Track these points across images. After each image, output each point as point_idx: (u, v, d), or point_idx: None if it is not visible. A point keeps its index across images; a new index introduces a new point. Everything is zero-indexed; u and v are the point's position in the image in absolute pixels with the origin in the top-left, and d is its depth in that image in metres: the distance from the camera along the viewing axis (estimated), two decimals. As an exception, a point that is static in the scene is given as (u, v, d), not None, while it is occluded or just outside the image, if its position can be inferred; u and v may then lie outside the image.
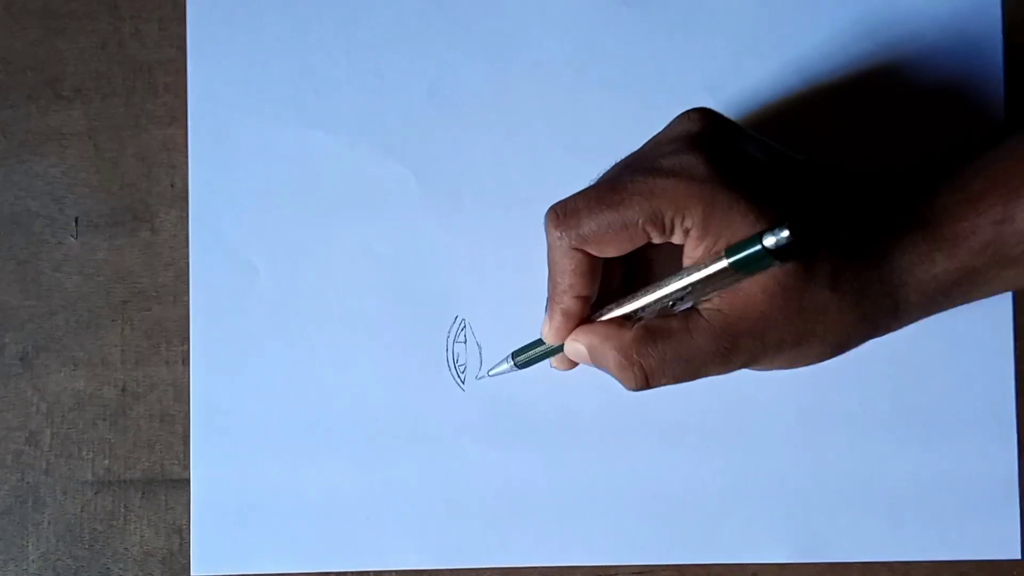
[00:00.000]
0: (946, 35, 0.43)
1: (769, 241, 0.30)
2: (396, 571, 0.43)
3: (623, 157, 0.36)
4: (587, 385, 0.43)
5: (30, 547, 0.43)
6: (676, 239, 0.33)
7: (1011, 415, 0.43)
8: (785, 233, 0.29)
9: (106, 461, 0.44)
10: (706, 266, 0.32)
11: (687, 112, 0.35)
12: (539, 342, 0.38)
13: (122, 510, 0.44)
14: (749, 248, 0.30)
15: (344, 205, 0.43)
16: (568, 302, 0.36)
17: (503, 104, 0.43)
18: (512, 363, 0.40)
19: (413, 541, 0.43)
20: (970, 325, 0.43)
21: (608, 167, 0.37)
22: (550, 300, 0.37)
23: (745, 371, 0.43)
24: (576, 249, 0.34)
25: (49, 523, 0.44)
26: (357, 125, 0.43)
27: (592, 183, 0.35)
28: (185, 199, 0.44)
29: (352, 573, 0.43)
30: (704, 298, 0.34)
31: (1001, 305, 0.43)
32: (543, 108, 0.43)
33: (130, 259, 0.44)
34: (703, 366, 0.34)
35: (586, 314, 0.36)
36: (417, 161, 0.43)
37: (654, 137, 0.36)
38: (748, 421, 0.43)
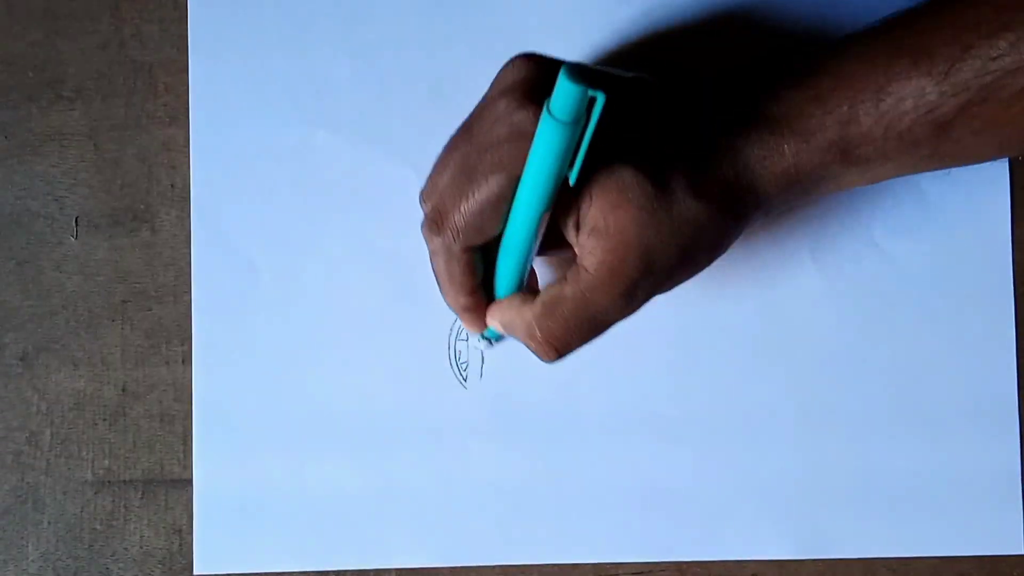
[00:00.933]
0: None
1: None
2: (397, 569, 0.43)
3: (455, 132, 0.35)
4: (588, 383, 0.43)
5: (30, 547, 0.43)
6: None
7: (1013, 410, 0.43)
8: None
9: (106, 461, 0.44)
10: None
11: (510, 61, 0.34)
12: None
13: (122, 510, 0.43)
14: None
15: (346, 204, 0.43)
16: (463, 300, 0.37)
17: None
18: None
19: (414, 539, 0.43)
20: (971, 320, 0.43)
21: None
22: (451, 305, 0.37)
23: (744, 370, 0.43)
24: (466, 250, 0.35)
25: (49, 523, 0.43)
26: (358, 124, 0.43)
27: (434, 167, 0.35)
28: (185, 199, 0.44)
29: (353, 571, 0.43)
30: (586, 252, 0.33)
31: (1002, 301, 0.43)
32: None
33: (130, 259, 0.44)
34: (607, 317, 0.34)
35: (484, 297, 0.37)
36: (419, 160, 0.43)
37: (485, 94, 0.35)
38: (748, 418, 0.43)
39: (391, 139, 0.43)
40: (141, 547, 0.43)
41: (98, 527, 0.43)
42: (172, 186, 0.44)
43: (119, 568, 0.43)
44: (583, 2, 0.43)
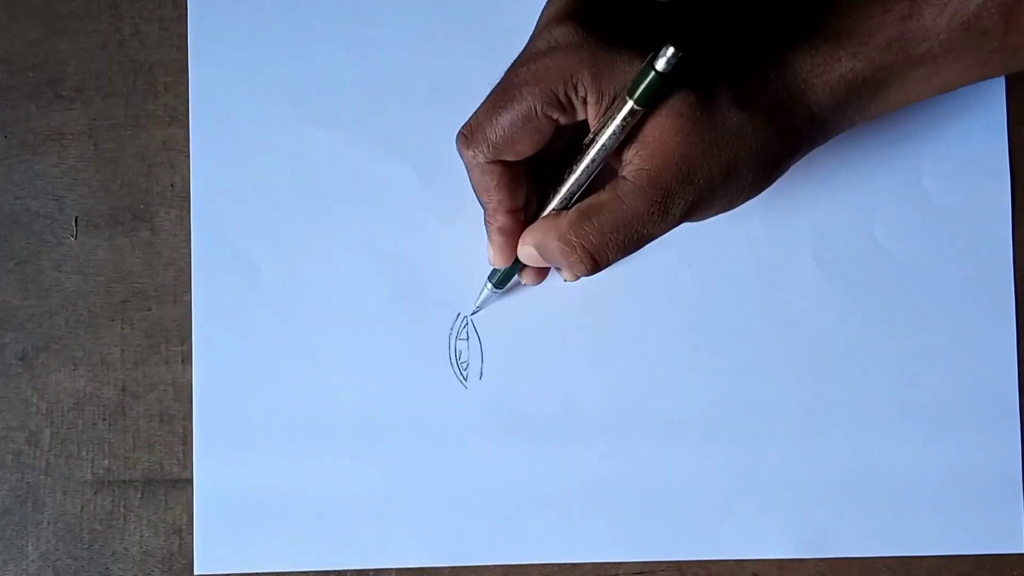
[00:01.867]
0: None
1: (660, 64, 0.29)
2: (397, 569, 0.43)
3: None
4: (588, 383, 0.43)
5: (30, 547, 0.43)
6: (580, 115, 0.33)
7: (1014, 410, 0.43)
8: (671, 51, 0.29)
9: (106, 461, 0.43)
10: (613, 116, 0.32)
11: None
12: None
13: (121, 510, 0.43)
14: (645, 78, 0.30)
15: (346, 203, 0.43)
16: (501, 219, 0.36)
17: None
18: (490, 286, 0.40)
19: (414, 539, 0.43)
20: (972, 319, 0.43)
21: None
22: (486, 224, 0.37)
23: (745, 369, 0.43)
24: (493, 163, 0.34)
25: (49, 523, 0.43)
26: (358, 123, 0.43)
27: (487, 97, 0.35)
28: (185, 199, 0.44)
29: (353, 571, 0.43)
30: (626, 162, 0.33)
31: (1003, 300, 0.43)
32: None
33: (130, 259, 0.44)
34: (644, 228, 0.33)
35: (522, 226, 0.36)
36: (418, 158, 0.43)
37: (533, 31, 0.35)
38: (749, 417, 0.43)
39: (391, 138, 0.43)
40: (141, 547, 0.43)
41: (98, 527, 0.43)
42: (172, 186, 0.44)
43: (119, 568, 0.43)
44: (583, 1, 0.43)
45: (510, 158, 0.34)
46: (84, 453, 0.43)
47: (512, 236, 0.36)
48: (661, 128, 0.32)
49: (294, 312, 0.43)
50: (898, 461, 0.43)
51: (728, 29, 0.34)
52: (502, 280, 0.40)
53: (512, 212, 0.36)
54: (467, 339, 0.43)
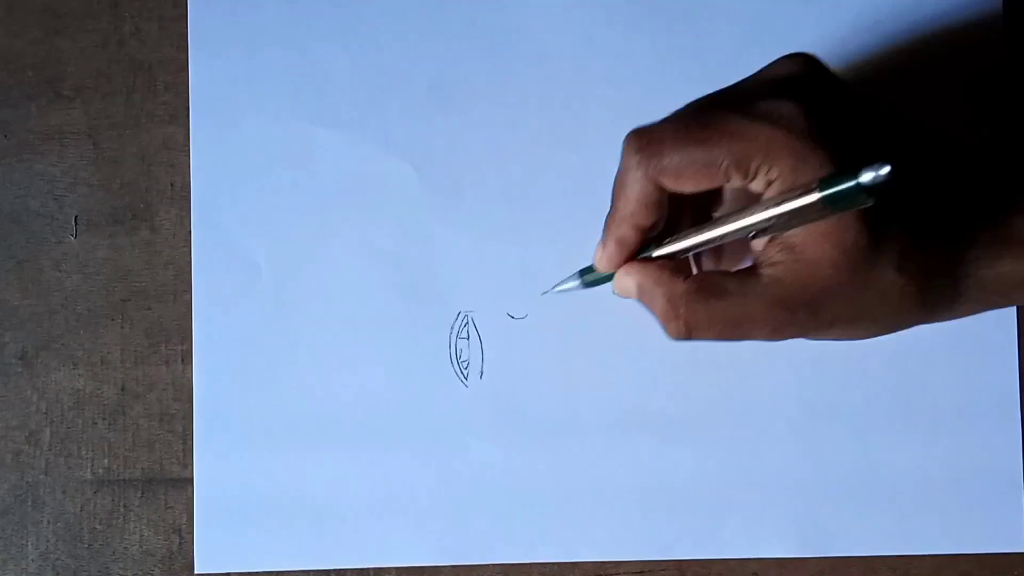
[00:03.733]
0: (949, 25, 0.43)
1: (866, 177, 0.28)
2: (397, 568, 0.43)
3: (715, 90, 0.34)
4: (588, 382, 0.43)
5: (29, 546, 0.43)
6: (756, 186, 0.32)
7: (1015, 408, 0.43)
8: (886, 169, 0.27)
9: (105, 460, 0.43)
10: (793, 199, 0.30)
11: (790, 55, 0.33)
12: None
13: (121, 509, 0.43)
14: (844, 183, 0.28)
15: (346, 201, 0.43)
16: (625, 231, 0.34)
17: (504, 99, 0.43)
18: (580, 280, 0.39)
19: (415, 538, 0.43)
20: (974, 318, 0.43)
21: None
22: (607, 225, 0.35)
23: (745, 369, 0.43)
24: (651, 179, 0.32)
25: (48, 522, 0.43)
26: (358, 121, 0.43)
27: (679, 111, 0.33)
28: (185, 198, 0.44)
29: (354, 570, 0.43)
30: (767, 262, 0.32)
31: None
32: (544, 102, 0.43)
33: (130, 258, 0.44)
34: (750, 331, 0.33)
35: (639, 246, 0.35)
36: (419, 157, 0.43)
37: (753, 75, 0.34)
38: (749, 416, 0.43)
39: (391, 137, 0.43)
40: (141, 546, 0.43)
41: (98, 526, 0.43)
42: (172, 185, 0.44)
43: (119, 567, 0.43)
44: (584, 1, 0.43)
45: (666, 185, 0.33)
46: (84, 452, 0.43)
47: (627, 249, 0.35)
48: (820, 251, 0.31)
49: (294, 311, 0.43)
50: (898, 460, 0.43)
51: (930, 181, 0.33)
52: (594, 282, 0.39)
53: (639, 228, 0.34)
54: (467, 338, 0.43)
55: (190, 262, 0.43)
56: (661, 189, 0.33)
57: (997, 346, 0.43)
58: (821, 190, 0.29)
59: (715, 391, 0.43)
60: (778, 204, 0.31)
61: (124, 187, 0.44)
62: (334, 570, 0.43)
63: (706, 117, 0.32)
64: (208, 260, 0.43)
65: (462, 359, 0.43)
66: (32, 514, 0.43)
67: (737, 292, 0.32)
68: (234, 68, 0.44)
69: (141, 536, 0.43)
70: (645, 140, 0.32)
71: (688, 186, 0.32)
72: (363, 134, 0.43)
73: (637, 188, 0.33)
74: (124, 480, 0.43)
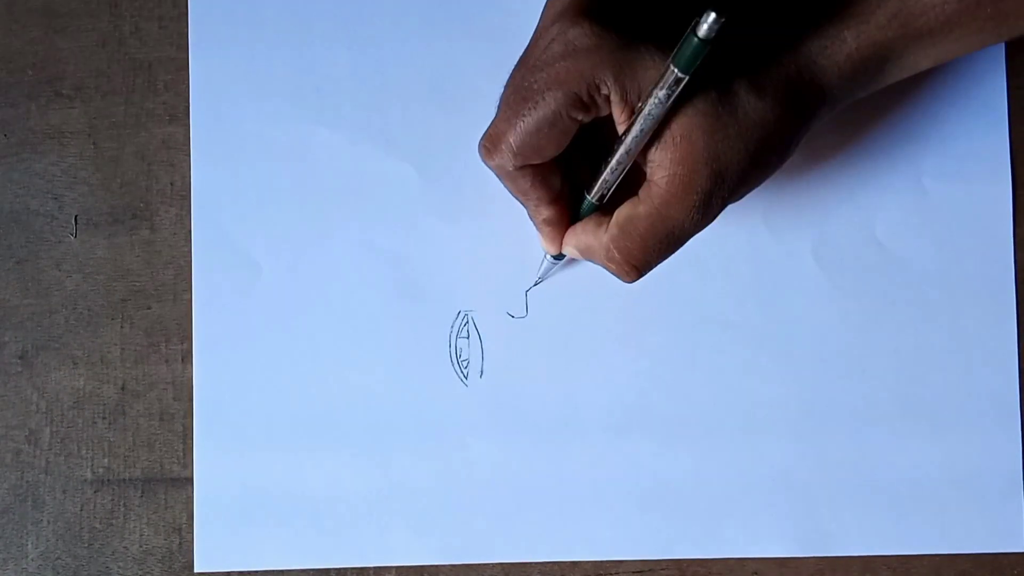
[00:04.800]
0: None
1: (702, 31, 0.29)
2: (397, 567, 0.43)
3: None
4: (588, 381, 0.43)
5: (29, 546, 0.43)
6: (603, 111, 0.33)
7: (1014, 408, 0.43)
8: (712, 16, 0.29)
9: (105, 460, 0.43)
10: (654, 91, 0.31)
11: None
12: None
13: (121, 509, 0.43)
14: (688, 47, 0.30)
15: (346, 201, 0.43)
16: (544, 212, 0.36)
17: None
18: (550, 258, 0.40)
19: (414, 537, 0.43)
20: (973, 318, 0.43)
21: None
22: (531, 219, 0.37)
23: (746, 368, 0.43)
24: (520, 168, 0.34)
25: (48, 522, 0.43)
26: (359, 121, 0.43)
27: (500, 102, 0.35)
28: (185, 197, 0.44)
29: (353, 569, 0.43)
30: (655, 168, 0.33)
31: (1004, 299, 0.43)
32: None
33: (130, 257, 0.44)
34: (683, 231, 0.34)
35: (567, 211, 0.37)
36: (419, 157, 0.43)
37: (537, 26, 0.35)
38: (749, 416, 0.43)
39: (391, 137, 0.43)
40: (141, 546, 0.43)
41: (98, 526, 0.43)
42: (171, 184, 0.44)
43: (119, 567, 0.43)
44: None
45: (536, 161, 0.34)
46: (84, 452, 0.43)
47: (560, 224, 0.37)
48: (687, 128, 0.32)
49: (294, 310, 0.43)
50: (898, 460, 0.43)
51: (739, 15, 0.34)
52: (559, 257, 0.40)
53: (552, 203, 0.36)
54: (467, 337, 0.43)
55: (190, 261, 0.43)
56: (538, 166, 0.34)
57: (997, 346, 0.43)
58: (675, 66, 0.30)
59: (715, 391, 0.43)
60: (645, 102, 0.32)
61: (124, 187, 0.44)
62: (334, 569, 0.43)
63: (522, 90, 0.33)
64: (208, 260, 0.43)
65: (462, 358, 0.43)
66: (32, 514, 0.43)
67: (648, 208, 0.33)
68: (234, 68, 0.43)
69: (141, 535, 0.43)
70: (491, 144, 0.34)
71: (551, 150, 0.34)
72: (363, 134, 0.43)
73: (520, 182, 0.35)
74: (124, 480, 0.43)
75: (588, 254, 0.36)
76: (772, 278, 0.43)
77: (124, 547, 0.43)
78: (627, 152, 0.34)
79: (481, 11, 0.43)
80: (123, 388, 0.44)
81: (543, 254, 0.41)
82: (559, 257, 0.40)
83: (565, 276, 0.43)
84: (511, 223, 0.43)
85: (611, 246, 0.34)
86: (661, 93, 0.31)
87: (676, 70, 0.31)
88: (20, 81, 0.44)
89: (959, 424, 0.43)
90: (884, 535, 0.43)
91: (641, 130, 0.33)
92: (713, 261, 0.43)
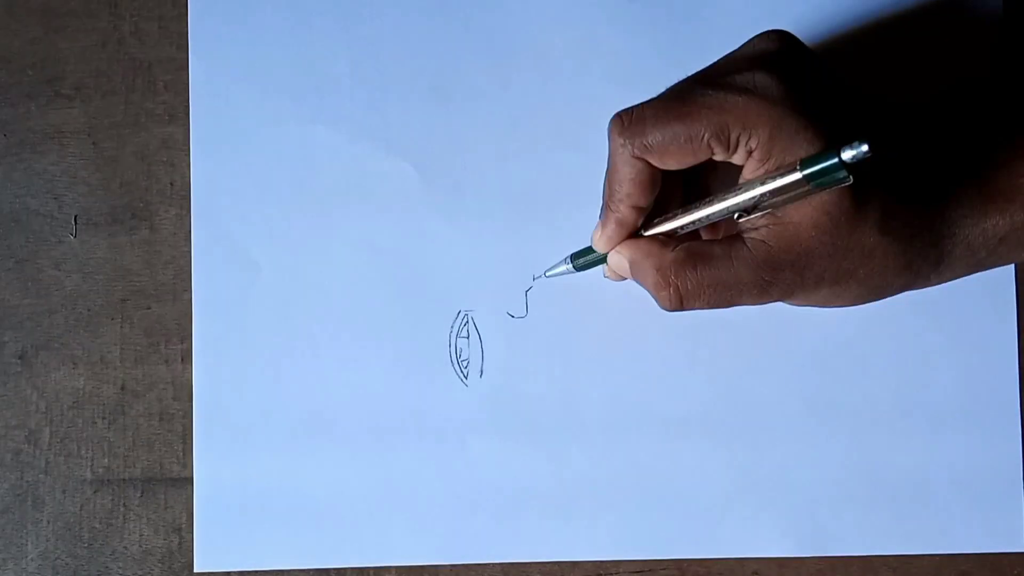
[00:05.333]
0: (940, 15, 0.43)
1: (847, 154, 0.29)
2: (397, 567, 0.43)
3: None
4: (589, 381, 0.43)
5: (29, 546, 0.43)
6: (738, 159, 0.33)
7: (1015, 408, 0.43)
8: (864, 148, 0.29)
9: (105, 460, 0.43)
10: (776, 178, 0.31)
11: (765, 32, 0.34)
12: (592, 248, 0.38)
13: (121, 509, 0.43)
14: (825, 160, 0.30)
15: (346, 201, 0.43)
16: (624, 211, 0.36)
17: (505, 98, 0.43)
18: (571, 264, 0.40)
19: (414, 537, 0.43)
20: (973, 317, 0.43)
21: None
22: (605, 207, 0.36)
23: (746, 368, 0.43)
24: (638, 158, 0.34)
25: (48, 522, 0.43)
26: (359, 121, 0.43)
27: (661, 94, 0.35)
28: (184, 197, 0.44)
29: (353, 569, 0.43)
30: (751, 226, 0.33)
31: (1004, 298, 0.43)
32: (545, 102, 0.43)
33: (129, 257, 0.44)
34: (739, 295, 0.34)
35: (638, 225, 0.36)
36: (419, 156, 0.43)
37: (729, 53, 0.35)
38: (749, 416, 0.43)
39: (391, 136, 0.43)
40: (140, 546, 0.43)
41: (97, 526, 0.43)
42: (171, 184, 0.44)
43: (119, 567, 0.43)
44: (584, 1, 0.43)
45: (654, 162, 0.34)
46: (84, 452, 0.43)
47: (625, 229, 0.36)
48: (802, 214, 0.32)
49: (294, 310, 0.43)
50: (898, 459, 0.43)
51: (907, 149, 0.34)
52: (585, 266, 0.40)
53: (635, 208, 0.36)
54: (467, 337, 0.43)
55: (190, 261, 0.43)
56: (650, 167, 0.34)
57: (997, 346, 0.43)
58: (802, 169, 0.31)
59: (715, 391, 0.43)
60: (762, 183, 0.32)
61: (124, 186, 0.44)
62: (334, 569, 0.43)
63: (685, 95, 0.33)
64: (208, 259, 0.43)
65: (462, 358, 0.43)
66: (32, 514, 0.43)
67: (723, 256, 0.33)
68: (234, 68, 0.44)
69: (141, 535, 0.43)
70: (628, 120, 0.34)
71: (673, 162, 0.34)
72: (363, 133, 0.43)
73: (628, 168, 0.34)
74: (124, 480, 0.43)
75: (637, 269, 0.36)
76: (772, 278, 0.43)
77: (124, 547, 0.43)
78: (726, 208, 0.33)
79: (481, 11, 0.43)
80: (123, 388, 0.44)
81: (564, 256, 0.40)
82: (583, 268, 0.40)
83: (565, 276, 0.42)
84: (511, 223, 0.43)
85: (671, 267, 0.34)
86: (778, 184, 0.31)
87: (800, 174, 0.31)
88: (20, 81, 0.44)
89: (959, 424, 0.43)
90: (884, 535, 0.43)
91: (739, 202, 0.33)
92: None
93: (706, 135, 0.32)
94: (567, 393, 0.43)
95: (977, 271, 0.36)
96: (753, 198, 0.32)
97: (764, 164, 0.32)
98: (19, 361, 0.44)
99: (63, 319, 0.44)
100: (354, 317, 0.43)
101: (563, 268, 0.41)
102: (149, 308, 0.44)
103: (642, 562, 0.43)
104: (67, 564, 0.43)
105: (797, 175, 0.31)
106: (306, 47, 0.43)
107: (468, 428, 0.43)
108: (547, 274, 0.42)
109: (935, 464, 0.43)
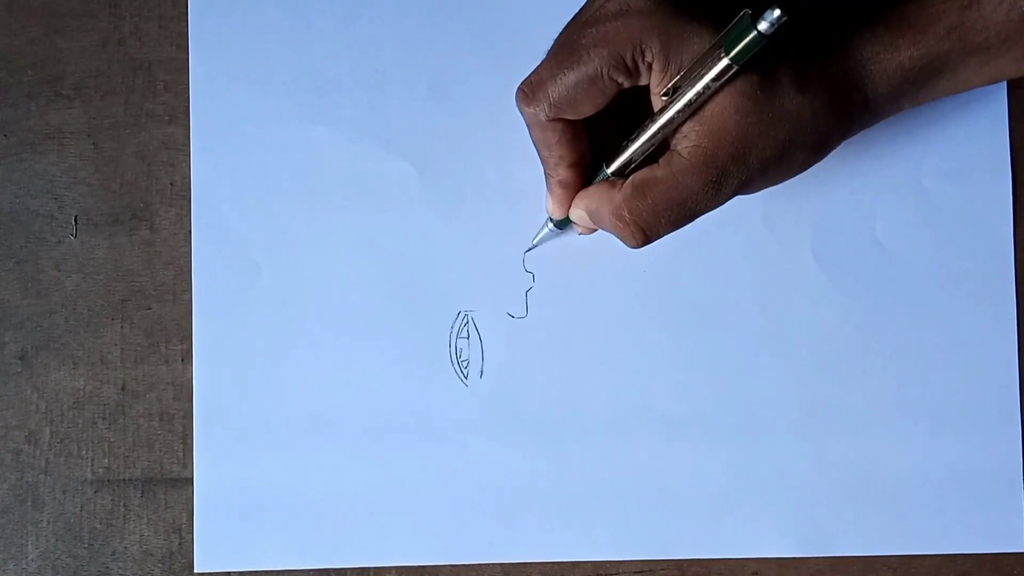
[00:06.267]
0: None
1: (763, 25, 0.29)
2: (397, 567, 0.43)
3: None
4: (589, 381, 0.43)
5: (29, 546, 0.43)
6: (643, 79, 0.33)
7: (1014, 408, 0.43)
8: (776, 13, 0.29)
9: (105, 460, 0.43)
10: (701, 73, 0.31)
11: None
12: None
13: (121, 509, 0.43)
14: (745, 36, 0.30)
15: (346, 201, 0.43)
16: (562, 173, 0.36)
17: (505, 98, 0.43)
18: (551, 226, 0.41)
19: (414, 537, 0.43)
20: (973, 318, 0.43)
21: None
22: (546, 176, 0.37)
23: (746, 368, 0.43)
24: (553, 119, 0.34)
25: (48, 522, 0.43)
26: (359, 121, 0.43)
27: (548, 51, 0.35)
28: (184, 197, 0.44)
29: (353, 569, 0.43)
30: (682, 137, 0.33)
31: (1004, 299, 0.43)
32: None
33: (129, 258, 0.44)
34: (696, 204, 0.34)
35: (583, 179, 0.37)
36: (419, 156, 0.43)
37: None
38: (749, 416, 0.43)
39: (391, 136, 0.43)
40: (141, 546, 0.43)
41: (98, 526, 0.43)
42: (171, 184, 0.44)
43: (119, 567, 0.43)
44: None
45: (570, 117, 0.34)
46: (84, 452, 0.43)
47: (572, 189, 0.37)
48: (722, 106, 0.32)
49: (294, 310, 0.43)
50: (898, 460, 0.43)
51: (796, 8, 0.34)
52: (562, 222, 0.40)
53: (572, 166, 0.36)
54: (467, 337, 0.43)
55: (190, 261, 0.43)
56: (569, 123, 0.35)
57: (997, 346, 0.43)
58: (727, 52, 0.31)
59: (715, 391, 0.43)
60: (692, 84, 0.32)
61: (124, 187, 0.44)
62: (334, 569, 0.43)
63: (571, 42, 0.33)
64: (208, 259, 0.43)
65: (462, 358, 0.43)
66: (32, 514, 0.43)
67: (666, 175, 0.33)
68: (234, 68, 0.43)
69: (141, 536, 0.43)
70: (530, 88, 0.34)
71: (587, 108, 0.34)
72: (363, 133, 0.43)
73: (549, 133, 0.35)
74: (124, 480, 0.43)
75: (596, 217, 0.36)
76: (772, 278, 0.43)
77: (124, 547, 0.43)
78: (661, 128, 0.34)
79: (481, 11, 0.43)
80: (123, 388, 0.44)
81: (545, 219, 0.41)
82: (561, 225, 0.40)
83: (565, 276, 0.42)
84: (511, 223, 0.43)
85: (623, 205, 0.34)
86: (709, 78, 0.31)
87: (727, 59, 0.31)
88: (20, 81, 0.44)
89: (959, 424, 0.43)
90: (884, 535, 0.43)
91: (679, 111, 0.33)
92: (713, 261, 0.43)
93: (604, 70, 0.33)
94: (567, 393, 0.43)
95: (916, 104, 0.36)
96: (689, 105, 0.32)
97: (666, 72, 0.32)
98: (19, 361, 0.44)
99: (63, 319, 0.44)
100: (354, 317, 0.43)
101: (545, 231, 0.41)
102: (149, 308, 0.44)
103: (642, 562, 0.43)
104: (67, 564, 0.43)
105: (725, 61, 0.31)
106: (306, 47, 0.43)
107: (468, 428, 0.43)
108: (534, 242, 0.42)
109: (935, 464, 0.43)
